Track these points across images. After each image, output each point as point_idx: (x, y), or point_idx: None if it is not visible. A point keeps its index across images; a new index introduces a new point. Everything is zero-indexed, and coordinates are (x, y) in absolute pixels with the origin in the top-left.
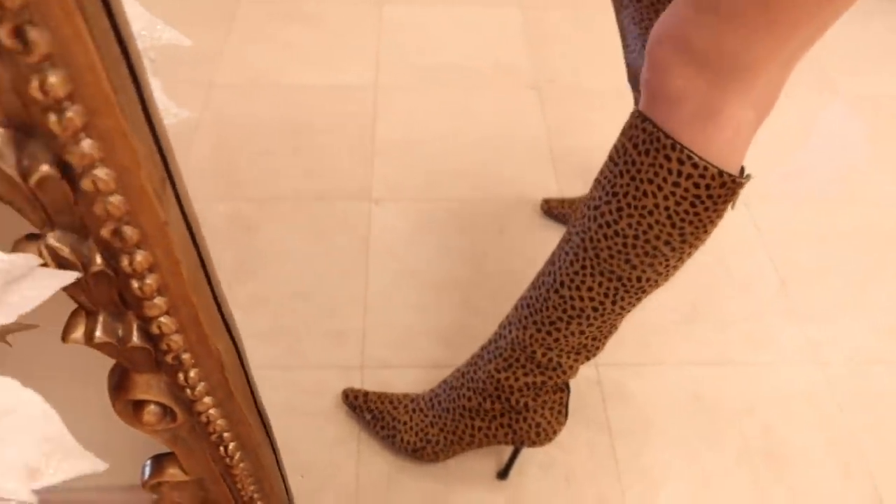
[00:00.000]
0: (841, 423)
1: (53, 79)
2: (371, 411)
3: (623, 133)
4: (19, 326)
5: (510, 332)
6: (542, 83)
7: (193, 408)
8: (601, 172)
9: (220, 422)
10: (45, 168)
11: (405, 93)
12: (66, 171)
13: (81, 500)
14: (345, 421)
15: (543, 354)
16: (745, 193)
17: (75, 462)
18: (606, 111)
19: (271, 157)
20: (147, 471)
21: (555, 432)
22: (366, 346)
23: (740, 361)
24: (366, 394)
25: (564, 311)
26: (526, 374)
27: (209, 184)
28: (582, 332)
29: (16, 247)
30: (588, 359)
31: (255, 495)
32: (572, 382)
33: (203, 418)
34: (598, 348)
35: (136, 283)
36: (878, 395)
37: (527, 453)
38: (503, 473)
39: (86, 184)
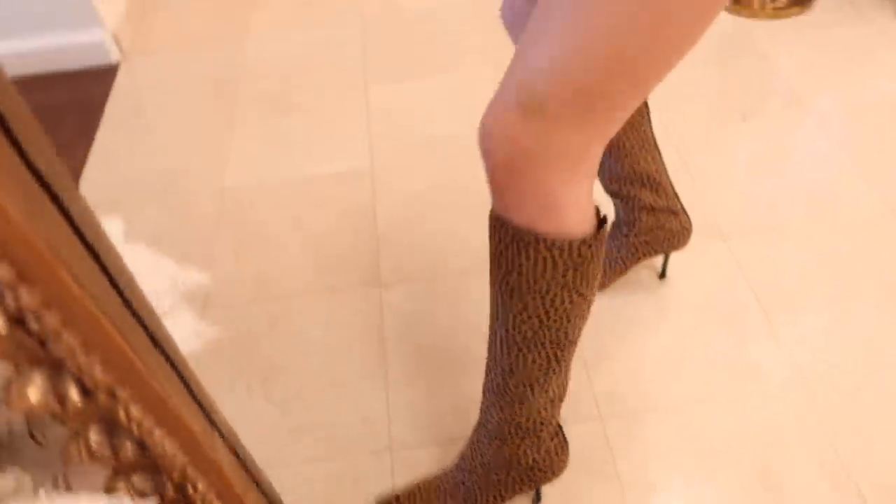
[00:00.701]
0: (831, 447)
1: (131, 408)
2: None
3: (490, 234)
4: None
5: (492, 415)
6: None
7: None
8: (491, 273)
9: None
10: (128, 445)
11: (400, 171)
12: (144, 447)
13: None
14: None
15: (527, 419)
16: (723, 229)
17: None
18: None
19: (287, 253)
20: None
21: (565, 465)
22: (392, 429)
23: (732, 398)
24: (397, 497)
25: (524, 385)
26: (522, 439)
27: (237, 286)
28: (546, 392)
29: (108, 487)
30: (562, 400)
31: None
32: (581, 437)
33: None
34: (566, 390)
35: (200, 502)
36: (868, 417)
37: None
38: (537, 498)
39: (157, 452)
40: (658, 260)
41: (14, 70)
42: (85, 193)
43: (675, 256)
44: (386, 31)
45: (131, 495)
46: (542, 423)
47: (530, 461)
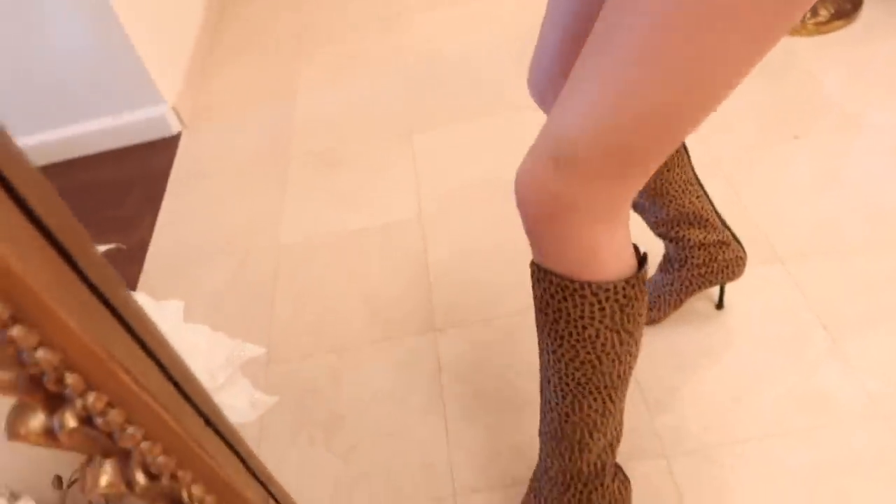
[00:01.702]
0: None
1: (193, 487)
2: None
3: (533, 284)
4: None
5: (553, 462)
6: None
7: None
8: (538, 322)
9: None
10: None
11: (448, 217)
12: None
13: None
14: None
15: (587, 465)
16: (781, 253)
17: None
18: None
19: (342, 306)
20: None
21: (628, 502)
22: (454, 474)
23: (803, 428)
24: None
25: (582, 431)
26: (585, 485)
27: (296, 341)
28: (605, 435)
29: None
30: (619, 442)
31: None
32: (646, 477)
33: None
34: (622, 431)
35: None
36: None
37: None
38: None
39: None
40: (714, 290)
41: (85, 150)
42: (153, 257)
43: (731, 284)
44: (428, 78)
45: None
46: (602, 468)
47: None
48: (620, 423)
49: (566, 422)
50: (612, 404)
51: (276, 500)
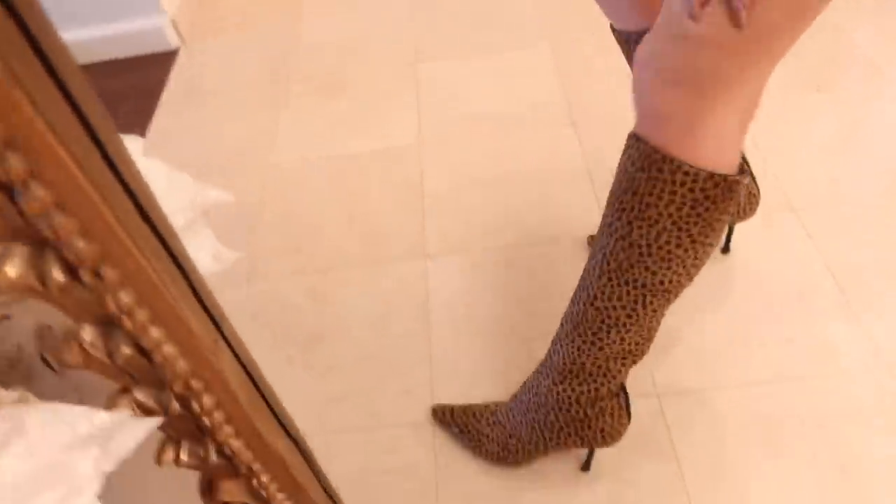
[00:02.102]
0: None
1: (120, 294)
2: (458, 425)
3: (622, 154)
4: None
5: (560, 347)
6: (579, 118)
7: (270, 503)
8: (610, 192)
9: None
10: (126, 350)
11: (448, 146)
12: (141, 349)
13: None
14: (421, 476)
15: (593, 363)
16: (794, 203)
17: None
18: None
19: (331, 227)
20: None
21: (619, 433)
22: (434, 400)
23: (805, 376)
24: (452, 409)
25: (602, 321)
26: (580, 384)
27: (279, 260)
28: (623, 340)
29: (109, 403)
30: (635, 362)
31: None
32: (635, 415)
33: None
34: (642, 352)
35: (207, 419)
36: None
37: (596, 492)
38: (585, 466)
39: (157, 357)
40: None
41: (79, 58)
42: None
43: (739, 228)
44: (438, 7)
45: (134, 410)
46: (604, 375)
47: (582, 414)
48: (643, 344)
49: (591, 305)
50: (643, 310)
51: (227, 342)
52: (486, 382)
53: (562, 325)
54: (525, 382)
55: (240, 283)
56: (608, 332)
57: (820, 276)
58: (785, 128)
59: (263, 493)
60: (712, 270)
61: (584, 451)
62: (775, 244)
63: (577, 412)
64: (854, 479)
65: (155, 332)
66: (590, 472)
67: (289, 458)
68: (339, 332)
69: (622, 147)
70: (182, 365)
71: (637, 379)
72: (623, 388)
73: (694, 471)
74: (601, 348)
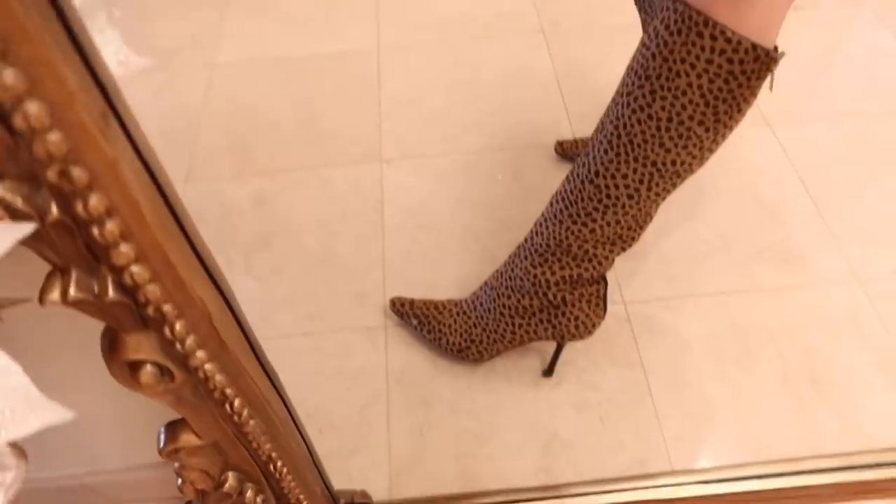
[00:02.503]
0: (888, 343)
1: None
2: (417, 317)
3: (655, 18)
4: (10, 301)
5: (545, 227)
6: (547, 26)
7: (188, 364)
8: (633, 59)
9: (218, 377)
10: None
11: (408, 51)
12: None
13: (110, 482)
14: (372, 380)
15: (579, 247)
16: (768, 116)
17: (42, 413)
18: (614, 47)
19: (279, 130)
20: (162, 439)
21: (594, 325)
22: (388, 305)
23: (776, 286)
24: (412, 301)
25: (600, 200)
26: (562, 268)
27: (222, 162)
28: (618, 222)
29: None
30: (623, 249)
31: (274, 454)
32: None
33: (200, 374)
34: (633, 238)
35: (96, 230)
36: None
37: (558, 394)
38: (548, 371)
39: (17, 121)
40: None
41: None
42: None
43: None
44: None
45: None
46: (590, 261)
47: (559, 299)
48: (637, 230)
49: (591, 182)
50: (647, 192)
51: (121, 119)
52: (444, 289)
53: (550, 204)
54: (496, 270)
55: (176, 182)
56: (604, 213)
57: (793, 189)
58: None
59: (178, 347)
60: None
61: (546, 355)
62: (747, 156)
63: (554, 297)
64: (826, 391)
65: (11, 78)
66: (552, 377)
67: (213, 308)
68: (286, 236)
69: (593, 60)
70: (56, 138)
71: None
72: (604, 278)
73: (659, 379)
74: (592, 230)
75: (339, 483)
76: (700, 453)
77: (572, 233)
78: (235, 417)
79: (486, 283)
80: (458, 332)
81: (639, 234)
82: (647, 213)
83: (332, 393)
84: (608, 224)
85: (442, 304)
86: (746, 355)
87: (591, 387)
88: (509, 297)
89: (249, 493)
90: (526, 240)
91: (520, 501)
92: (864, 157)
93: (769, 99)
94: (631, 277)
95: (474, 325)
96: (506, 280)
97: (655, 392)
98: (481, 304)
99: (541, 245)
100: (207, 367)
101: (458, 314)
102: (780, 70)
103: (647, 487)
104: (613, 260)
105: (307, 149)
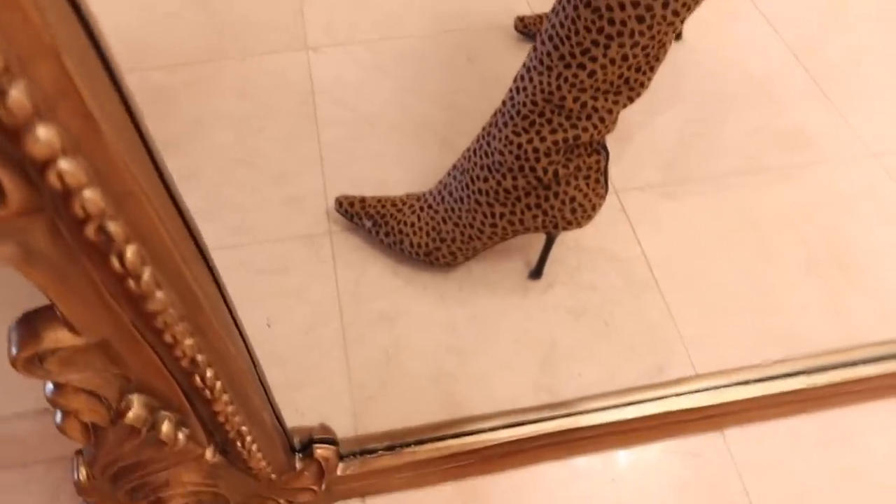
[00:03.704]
0: None
1: None
2: (371, 217)
3: None
4: None
5: (529, 81)
6: None
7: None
8: None
9: (89, 195)
10: None
11: None
12: None
13: None
14: (319, 297)
15: (575, 99)
16: None
17: None
18: None
19: (179, 20)
20: (14, 339)
21: (594, 207)
22: (331, 208)
23: (782, 164)
24: (362, 199)
25: (601, 29)
26: (553, 131)
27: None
28: (625, 58)
29: None
30: (630, 100)
31: (200, 358)
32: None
33: (55, 183)
34: (642, 84)
35: None
36: None
37: (551, 299)
38: (536, 272)
39: None
40: None
41: None
42: None
43: (693, 16)
44: None
45: None
46: (588, 117)
47: (550, 174)
48: (647, 68)
49: (586, 6)
50: (663, 8)
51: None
52: (397, 187)
53: (533, 48)
54: (467, 149)
55: None
56: (606, 47)
57: (788, 65)
58: None
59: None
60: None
61: (531, 254)
62: (732, 31)
63: (545, 172)
64: (856, 274)
65: None
66: (541, 279)
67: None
68: (196, 138)
69: None
70: None
71: None
72: (604, 147)
73: (668, 273)
74: (592, 73)
75: (287, 421)
76: (726, 354)
77: (566, 80)
78: (131, 282)
79: (454, 167)
80: (424, 230)
81: (649, 78)
82: (662, 43)
83: (269, 316)
84: (612, 62)
85: (401, 200)
86: (762, 241)
87: (589, 287)
88: (486, 180)
89: (166, 427)
90: (504, 103)
91: (520, 424)
92: (855, 27)
93: None
94: (618, 163)
95: (444, 220)
96: (480, 158)
97: (665, 288)
98: (450, 194)
99: (524, 104)
100: (65, 166)
101: (421, 209)
102: None
103: (670, 396)
104: (617, 117)
105: (214, 40)
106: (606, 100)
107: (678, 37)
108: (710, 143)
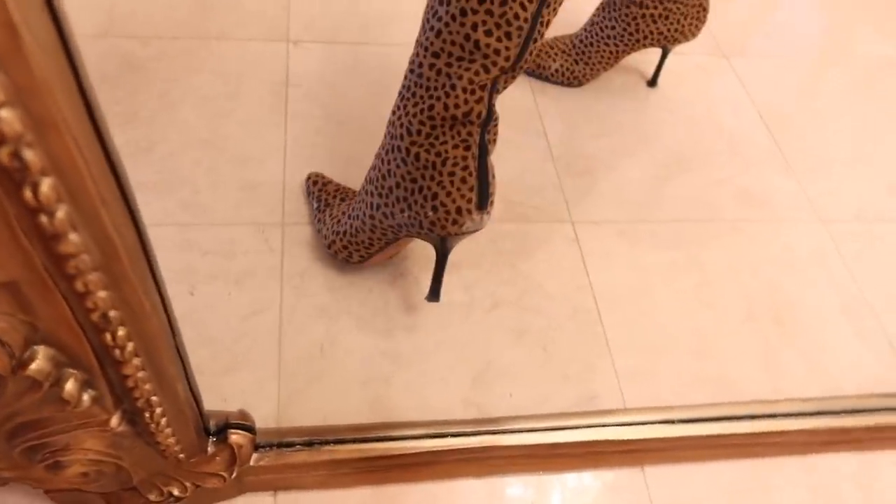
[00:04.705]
0: (853, 288)
1: None
2: (318, 200)
3: None
4: None
5: (409, 61)
6: None
7: None
8: None
9: (5, 114)
10: None
11: None
12: None
13: None
14: (262, 285)
15: (431, 66)
16: (723, 45)
17: None
18: None
19: None
20: None
21: (459, 211)
22: (287, 199)
23: (737, 218)
24: (326, 183)
25: None
26: (416, 105)
27: (82, 20)
28: (463, 13)
29: None
30: (486, 70)
31: (113, 314)
32: (546, 240)
33: None
34: (496, 52)
35: None
36: (888, 255)
37: (495, 318)
38: (432, 293)
39: None
40: (648, 63)
41: None
42: None
43: (668, 66)
44: None
45: None
46: (442, 86)
47: (412, 156)
48: (499, 37)
49: None
50: None
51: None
52: (356, 186)
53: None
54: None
55: None
56: (448, 2)
57: (752, 123)
58: None
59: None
60: (637, 104)
61: (483, 272)
62: (706, 87)
63: (408, 153)
64: (791, 331)
65: None
66: (440, 300)
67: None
68: (161, 111)
69: None
70: None
71: (548, 200)
72: (481, 144)
73: (612, 307)
74: (439, 31)
75: (209, 405)
76: (657, 391)
77: (421, 45)
78: (44, 218)
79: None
80: (335, 220)
81: (506, 45)
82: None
83: (207, 298)
84: (453, 18)
85: (351, 193)
86: (706, 287)
87: (534, 311)
88: (374, 168)
89: (70, 385)
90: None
91: (444, 436)
92: (819, 97)
93: (727, 33)
94: (581, 197)
95: (343, 213)
96: (382, 145)
97: (607, 321)
98: (363, 186)
99: (403, 85)
100: None
101: (343, 200)
102: (735, 6)
103: (596, 426)
104: (480, 93)
105: (196, 18)
106: (460, 66)
107: (653, 82)
108: (670, 188)
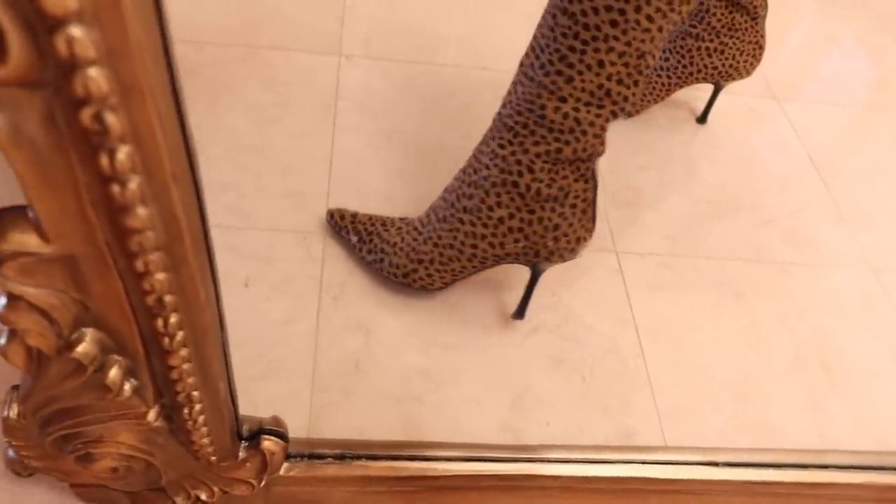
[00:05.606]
0: None
1: None
2: (358, 233)
3: None
4: None
5: (515, 92)
6: None
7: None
8: None
9: (94, 73)
10: None
11: None
12: None
13: None
14: (301, 293)
15: (556, 109)
16: (774, 88)
17: None
18: None
19: (217, 5)
20: None
21: (578, 240)
22: (331, 209)
23: (785, 260)
24: (354, 214)
25: (576, 35)
26: (536, 143)
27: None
28: (601, 65)
29: None
30: (614, 115)
31: (168, 299)
32: (588, 267)
33: (62, 46)
34: (625, 98)
35: None
36: None
37: (534, 343)
38: (519, 311)
39: None
40: (695, 101)
41: None
42: None
43: (719, 103)
44: None
45: None
46: (571, 130)
47: (533, 191)
48: (629, 79)
49: (562, 12)
50: (635, 13)
51: None
52: (400, 206)
53: (521, 63)
54: (462, 168)
55: None
56: (583, 52)
57: (802, 167)
58: (772, 20)
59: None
60: (688, 138)
61: (519, 291)
62: (756, 127)
63: (528, 189)
64: (839, 380)
65: None
66: (524, 320)
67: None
68: (211, 115)
69: None
70: None
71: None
72: (594, 175)
73: (655, 343)
74: (570, 78)
75: (241, 411)
76: (698, 431)
77: (545, 88)
78: (116, 187)
79: (444, 190)
80: (405, 251)
81: (633, 94)
82: (640, 52)
83: (245, 301)
84: (588, 68)
85: (391, 221)
86: (752, 329)
87: (574, 339)
88: (471, 197)
89: (114, 372)
90: (493, 120)
91: (479, 460)
92: (868, 147)
93: (778, 77)
94: (625, 227)
95: (424, 241)
96: (468, 175)
97: (649, 356)
98: (436, 214)
99: (510, 116)
100: (77, 34)
101: (407, 231)
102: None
103: (636, 462)
104: (603, 136)
105: (250, 27)
106: (588, 112)
107: (703, 119)
108: (717, 225)
